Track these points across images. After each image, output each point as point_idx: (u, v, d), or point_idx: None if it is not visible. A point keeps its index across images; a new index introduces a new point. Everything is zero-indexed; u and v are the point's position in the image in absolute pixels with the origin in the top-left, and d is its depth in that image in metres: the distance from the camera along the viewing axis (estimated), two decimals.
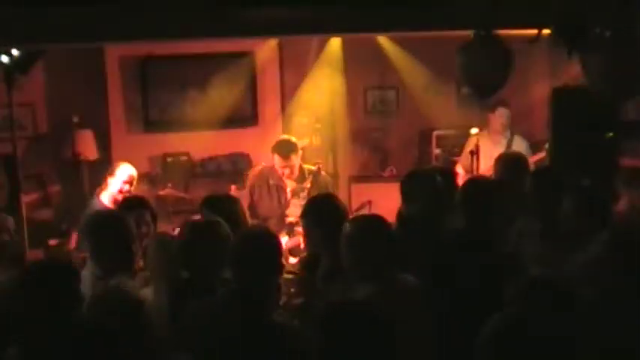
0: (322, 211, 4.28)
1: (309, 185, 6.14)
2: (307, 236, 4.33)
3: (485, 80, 5.34)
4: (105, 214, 4.95)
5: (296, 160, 6.20)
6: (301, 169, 6.30)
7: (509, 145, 7.29)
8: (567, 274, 3.63)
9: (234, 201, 4.96)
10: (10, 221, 4.68)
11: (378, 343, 2.64)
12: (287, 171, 6.17)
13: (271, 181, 6.28)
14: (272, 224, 6.01)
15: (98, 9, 4.94)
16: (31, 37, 5.15)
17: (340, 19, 5.45)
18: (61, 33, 5.13)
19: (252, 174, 6.63)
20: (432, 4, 5.24)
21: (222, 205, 4.68)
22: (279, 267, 3.79)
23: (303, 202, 5.52)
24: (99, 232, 4.27)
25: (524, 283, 3.02)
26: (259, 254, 3.61)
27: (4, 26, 4.95)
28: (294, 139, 6.35)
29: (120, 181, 6.27)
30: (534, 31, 5.23)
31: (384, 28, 6.33)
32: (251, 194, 6.36)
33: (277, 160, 6.21)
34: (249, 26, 5.28)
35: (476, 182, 4.73)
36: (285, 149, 6.20)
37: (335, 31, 6.66)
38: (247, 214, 5.83)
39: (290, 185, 6.22)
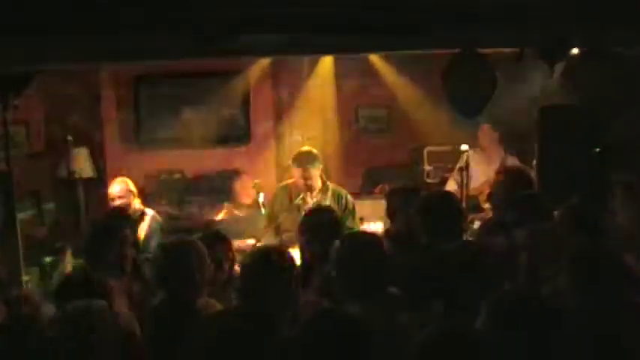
0: (317, 225, 4.33)
1: (328, 202, 6.06)
2: (301, 251, 4.39)
3: (468, 99, 5.42)
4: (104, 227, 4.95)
5: (314, 172, 6.14)
6: (324, 184, 6.25)
7: (502, 165, 7.27)
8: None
9: (225, 240, 4.84)
10: None
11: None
12: (308, 182, 6.12)
13: (293, 196, 6.24)
14: (290, 237, 6.00)
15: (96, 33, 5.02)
16: (29, 60, 5.22)
17: (333, 42, 5.53)
18: (59, 56, 5.21)
19: (277, 188, 6.63)
20: (417, 26, 5.30)
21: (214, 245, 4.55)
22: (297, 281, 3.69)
23: None
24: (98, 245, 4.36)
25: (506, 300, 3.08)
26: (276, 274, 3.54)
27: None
28: (314, 151, 6.29)
29: (114, 197, 6.36)
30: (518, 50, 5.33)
31: (371, 50, 6.42)
32: (272, 207, 6.37)
33: (295, 170, 6.21)
34: (244, 48, 5.35)
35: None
36: (302, 159, 6.19)
37: (326, 52, 6.78)
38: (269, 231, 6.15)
39: (311, 201, 6.15)
